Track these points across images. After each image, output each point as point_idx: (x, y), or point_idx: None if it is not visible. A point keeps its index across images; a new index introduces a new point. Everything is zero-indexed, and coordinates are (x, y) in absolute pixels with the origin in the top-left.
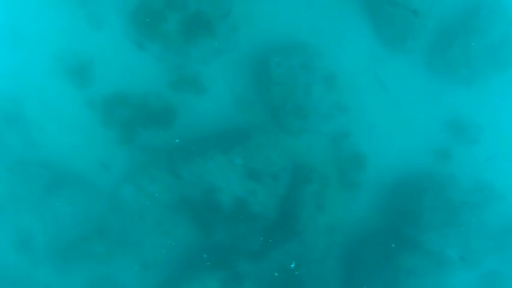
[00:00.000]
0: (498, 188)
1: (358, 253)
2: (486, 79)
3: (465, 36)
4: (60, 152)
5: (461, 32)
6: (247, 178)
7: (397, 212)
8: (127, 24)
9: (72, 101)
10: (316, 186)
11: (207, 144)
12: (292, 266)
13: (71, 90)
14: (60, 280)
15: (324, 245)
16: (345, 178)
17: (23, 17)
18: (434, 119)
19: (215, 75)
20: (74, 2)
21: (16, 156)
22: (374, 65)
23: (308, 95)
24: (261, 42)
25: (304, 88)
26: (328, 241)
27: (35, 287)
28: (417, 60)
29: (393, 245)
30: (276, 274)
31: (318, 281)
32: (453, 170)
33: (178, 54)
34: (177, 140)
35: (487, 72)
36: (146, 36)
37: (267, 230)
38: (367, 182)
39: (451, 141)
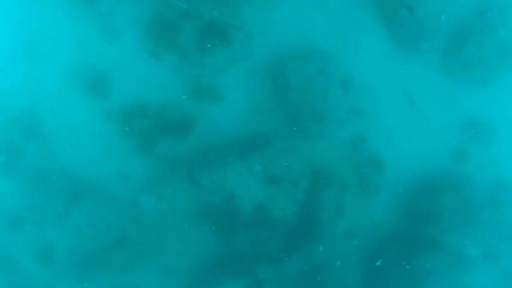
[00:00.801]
0: None
1: (378, 256)
2: (501, 78)
3: (479, 36)
4: (80, 164)
5: (475, 32)
6: (266, 184)
7: (416, 213)
8: (142, 35)
9: (90, 112)
10: (335, 190)
11: (226, 152)
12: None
13: (89, 102)
14: None
15: (345, 248)
16: (364, 181)
17: (39, 30)
18: (450, 120)
19: (232, 84)
20: (89, 14)
21: (36, 169)
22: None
23: (325, 100)
24: (277, 49)
25: (320, 93)
26: (349, 245)
27: None
28: (432, 61)
29: (413, 247)
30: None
31: (338, 285)
32: (470, 170)
33: (194, 63)
34: None
35: (502, 71)
36: (162, 47)
37: (287, 235)
38: (385, 185)
39: (468, 142)
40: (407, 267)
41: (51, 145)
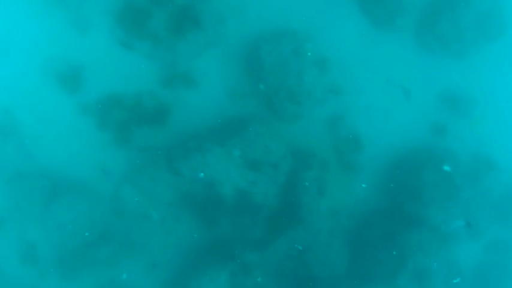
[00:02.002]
0: (495, 158)
1: (363, 234)
2: (477, 51)
3: (453, 9)
4: (58, 160)
5: (449, 5)
6: (246, 169)
7: (398, 189)
8: (114, 25)
9: (65, 107)
10: (316, 171)
11: (204, 138)
12: None
13: (64, 97)
14: None
15: (329, 228)
16: (344, 160)
17: (8, 27)
18: (428, 95)
19: (206, 69)
20: (58, 8)
21: (14, 169)
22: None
23: (301, 81)
24: (250, 32)
25: (296, 74)
26: (333, 224)
27: None
28: (407, 37)
29: (397, 224)
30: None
31: (325, 265)
32: (450, 143)
33: (167, 51)
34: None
35: (478, 43)
36: (134, 36)
37: (271, 219)
38: (366, 162)
39: (446, 115)
40: (392, 244)
41: (27, 143)
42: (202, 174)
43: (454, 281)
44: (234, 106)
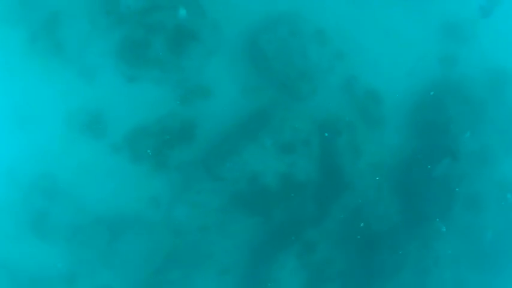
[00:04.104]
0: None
1: (407, 180)
2: None
3: None
4: (106, 203)
5: None
6: (282, 154)
7: (426, 128)
8: (117, 63)
9: (98, 152)
10: (346, 135)
11: (235, 139)
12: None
13: (93, 144)
14: None
15: (374, 184)
16: (369, 117)
17: (24, 97)
18: (428, 30)
19: (216, 76)
20: (62, 64)
21: (69, 225)
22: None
23: (306, 58)
24: (245, 27)
25: (299, 53)
26: (377, 180)
27: None
28: None
29: (436, 160)
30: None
31: (381, 219)
32: (463, 69)
33: (174, 71)
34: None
35: None
36: (139, 67)
37: (318, 193)
38: (389, 112)
39: (451, 43)
40: (437, 180)
41: (74, 197)
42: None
43: (508, 196)
44: (252, 101)
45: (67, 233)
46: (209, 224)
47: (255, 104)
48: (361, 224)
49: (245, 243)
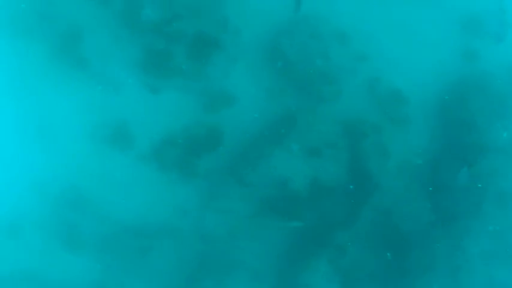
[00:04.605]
0: None
1: (436, 178)
2: None
3: None
4: (136, 214)
5: None
6: (309, 158)
7: (452, 126)
8: (141, 75)
9: (125, 164)
10: (372, 136)
11: (261, 145)
12: None
13: (120, 156)
14: None
15: (403, 184)
16: (394, 117)
17: (49, 109)
18: (449, 27)
19: (239, 82)
20: (86, 77)
21: (98, 235)
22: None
23: (328, 60)
24: (266, 32)
25: (321, 55)
26: (405, 179)
27: None
28: None
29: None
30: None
31: (411, 219)
32: (485, 64)
33: (198, 79)
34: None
35: None
36: (162, 78)
37: (347, 195)
38: (414, 112)
39: (472, 39)
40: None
41: (103, 209)
42: None
43: None
44: (277, 106)
45: (96, 243)
46: (239, 231)
47: (280, 109)
48: (393, 219)
49: (276, 248)
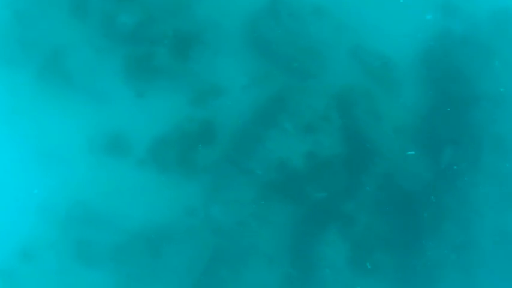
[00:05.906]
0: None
1: (431, 136)
2: None
3: None
4: (142, 219)
5: None
6: (304, 134)
7: (442, 81)
8: (127, 81)
9: (123, 170)
10: (364, 104)
11: (256, 130)
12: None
13: (117, 163)
14: None
15: (399, 146)
16: (382, 81)
17: (43, 131)
18: None
19: (224, 72)
20: (73, 94)
21: (110, 246)
22: None
23: (309, 36)
24: (244, 19)
25: (302, 33)
26: (402, 141)
27: None
28: None
29: (458, 108)
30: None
31: (412, 179)
32: (467, 16)
33: (183, 76)
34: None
35: None
36: (148, 80)
37: (347, 166)
38: (402, 71)
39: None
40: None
41: (109, 218)
42: None
43: None
44: (265, 89)
45: (110, 255)
46: (247, 217)
47: (269, 92)
48: (395, 188)
49: (285, 229)
